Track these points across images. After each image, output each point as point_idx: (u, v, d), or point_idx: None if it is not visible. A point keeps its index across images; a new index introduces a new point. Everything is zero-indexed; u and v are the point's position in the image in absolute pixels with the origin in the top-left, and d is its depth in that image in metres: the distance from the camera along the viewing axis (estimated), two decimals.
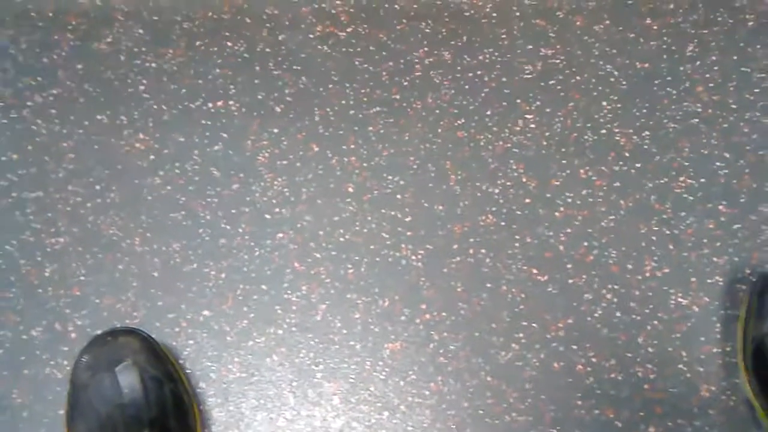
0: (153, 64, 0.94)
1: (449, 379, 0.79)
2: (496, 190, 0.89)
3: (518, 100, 0.94)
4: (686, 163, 0.91)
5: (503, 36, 0.98)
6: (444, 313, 0.83)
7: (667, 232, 0.87)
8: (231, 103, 0.92)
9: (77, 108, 0.92)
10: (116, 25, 0.97)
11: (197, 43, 0.96)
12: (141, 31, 0.96)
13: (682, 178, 0.90)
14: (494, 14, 0.98)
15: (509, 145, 0.92)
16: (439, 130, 0.92)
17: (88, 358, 0.69)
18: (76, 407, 0.68)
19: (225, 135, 0.90)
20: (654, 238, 0.87)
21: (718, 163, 0.91)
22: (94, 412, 0.67)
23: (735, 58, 0.97)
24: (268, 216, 0.86)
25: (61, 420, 0.76)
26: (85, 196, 0.87)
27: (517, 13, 0.98)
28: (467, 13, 0.98)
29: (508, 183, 0.90)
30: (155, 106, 0.92)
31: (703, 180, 0.90)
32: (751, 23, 0.98)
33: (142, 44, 0.96)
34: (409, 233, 0.87)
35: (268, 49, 0.95)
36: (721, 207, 0.88)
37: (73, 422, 0.68)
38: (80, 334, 0.79)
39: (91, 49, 0.95)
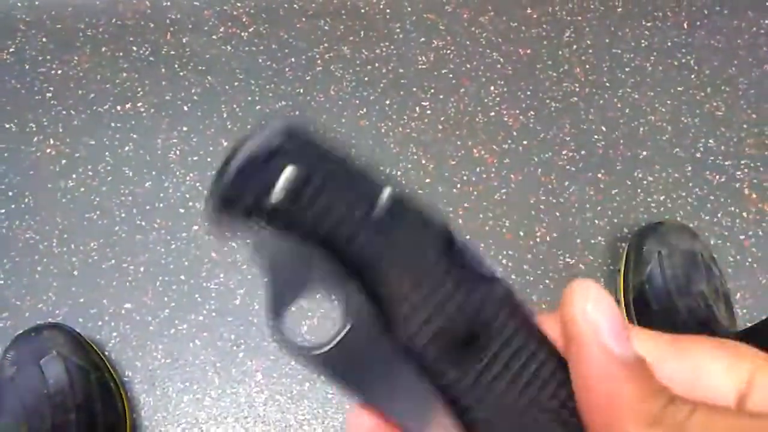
0: (59, 71, 0.97)
1: None
2: (399, 173, 0.96)
3: (414, 89, 1.01)
4: (567, 138, 1.00)
5: (397, 30, 1.05)
6: None
7: (553, 200, 0.96)
8: (139, 104, 0.96)
9: None
10: (19, 35, 0.98)
11: (102, 48, 0.99)
12: (44, 39, 0.98)
13: (564, 152, 0.99)
14: (387, 10, 1.05)
15: (408, 130, 0.99)
16: (343, 120, 0.98)
17: (13, 354, 0.72)
18: (2, 402, 0.71)
19: (135, 135, 0.94)
20: (542, 206, 0.95)
21: (595, 136, 1.01)
22: (21, 404, 0.69)
23: (607, 41, 1.08)
24: (182, 210, 0.90)
25: None
26: None
27: (409, 8, 1.05)
28: (363, 10, 1.05)
29: (409, 165, 0.97)
30: (64, 112, 0.94)
31: (583, 152, 0.99)
32: (620, 9, 1.09)
33: (47, 52, 0.98)
34: None
35: (173, 52, 0.99)
36: (600, 175, 0.98)
37: (0, 417, 0.70)
38: (3, 336, 0.81)
39: None
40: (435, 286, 0.18)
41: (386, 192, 0.17)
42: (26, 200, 0.89)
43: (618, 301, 0.90)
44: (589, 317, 0.19)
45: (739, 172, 0.99)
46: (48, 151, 0.92)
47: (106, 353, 0.81)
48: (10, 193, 0.89)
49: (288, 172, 0.16)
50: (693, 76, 1.06)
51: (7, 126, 0.93)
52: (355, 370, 0.17)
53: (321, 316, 0.85)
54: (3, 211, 0.88)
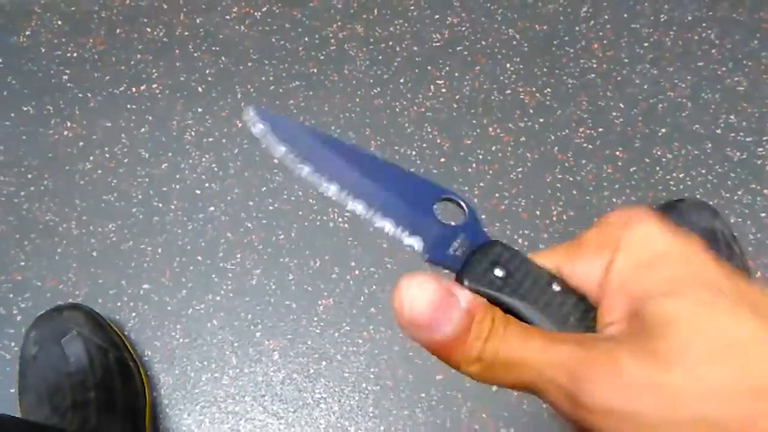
0: (74, 54, 0.97)
1: (380, 327, 0.86)
2: (414, 152, 0.95)
3: (429, 67, 1.01)
4: (585, 115, 0.99)
5: (412, 7, 1.03)
6: (372, 268, 0.89)
7: (570, 178, 0.95)
8: (154, 86, 0.96)
9: (1, 101, 0.94)
10: (34, 18, 0.99)
11: (117, 30, 0.99)
12: (60, 22, 0.99)
13: (581, 129, 0.98)
14: None
15: (423, 109, 0.98)
16: (357, 100, 0.98)
17: (35, 333, 0.73)
18: (25, 380, 0.72)
19: (150, 117, 0.94)
20: (558, 185, 0.95)
21: (614, 113, 0.99)
22: (43, 382, 0.71)
23: (625, 15, 1.06)
24: (198, 191, 0.90)
25: (13, 397, 0.79)
26: (18, 186, 0.90)
27: None
28: None
29: (424, 145, 0.96)
30: (80, 95, 0.95)
31: (600, 129, 0.98)
32: None
33: (62, 35, 0.98)
34: (334, 198, 0.92)
35: (186, 33, 0.99)
36: (618, 153, 0.97)
37: (23, 394, 0.72)
38: (25, 316, 0.82)
39: (11, 43, 0.97)
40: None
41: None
42: (45, 183, 0.90)
43: None
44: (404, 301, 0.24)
45: (760, 149, 0.98)
46: (65, 133, 0.93)
47: (125, 333, 0.83)
48: (29, 176, 0.90)
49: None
50: (714, 50, 1.04)
51: (25, 109, 0.94)
52: None
53: None
54: (23, 193, 0.89)
